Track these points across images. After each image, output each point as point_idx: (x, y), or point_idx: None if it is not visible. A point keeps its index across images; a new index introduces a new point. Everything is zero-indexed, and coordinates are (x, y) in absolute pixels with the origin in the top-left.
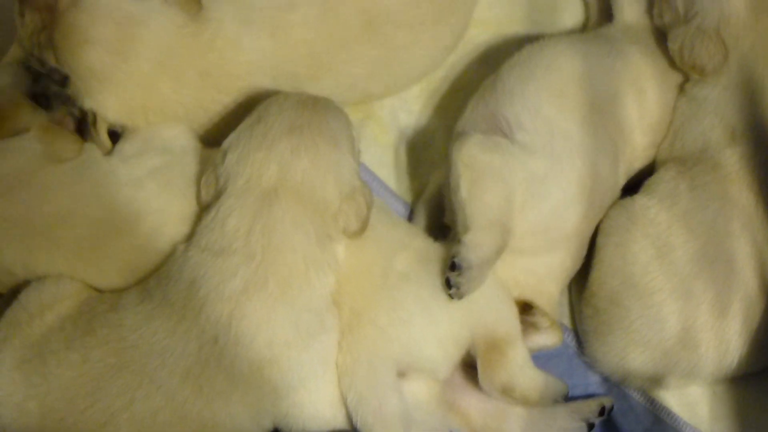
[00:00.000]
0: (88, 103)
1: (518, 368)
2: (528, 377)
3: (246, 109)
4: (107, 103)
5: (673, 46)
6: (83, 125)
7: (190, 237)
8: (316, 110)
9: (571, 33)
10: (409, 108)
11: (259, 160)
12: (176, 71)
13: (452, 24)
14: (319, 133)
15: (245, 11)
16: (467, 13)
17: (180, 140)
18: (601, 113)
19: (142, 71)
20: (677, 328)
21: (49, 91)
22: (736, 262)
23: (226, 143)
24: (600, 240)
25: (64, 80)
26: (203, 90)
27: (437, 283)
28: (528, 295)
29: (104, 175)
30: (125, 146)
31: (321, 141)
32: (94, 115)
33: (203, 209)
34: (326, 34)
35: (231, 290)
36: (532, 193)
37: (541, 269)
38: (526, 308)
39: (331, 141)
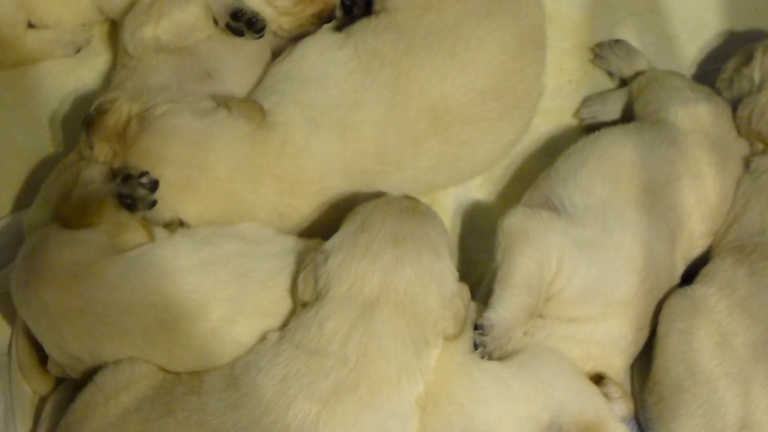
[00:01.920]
0: (170, 214)
1: None
2: None
3: (321, 213)
4: (189, 211)
5: (743, 113)
6: None
7: (282, 329)
8: (418, 220)
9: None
10: (472, 195)
11: (363, 269)
12: (253, 175)
13: (516, 120)
14: (422, 243)
15: (312, 113)
16: (531, 109)
17: (252, 230)
18: (656, 198)
19: (220, 178)
20: (741, 413)
21: (137, 193)
22: None
23: (328, 245)
24: (662, 328)
25: (153, 185)
26: (279, 194)
27: (517, 363)
28: (598, 368)
29: (166, 261)
30: (199, 229)
31: (424, 252)
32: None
33: (298, 306)
34: (394, 131)
35: (321, 391)
36: (578, 258)
37: (605, 340)
38: (597, 380)
39: (433, 251)
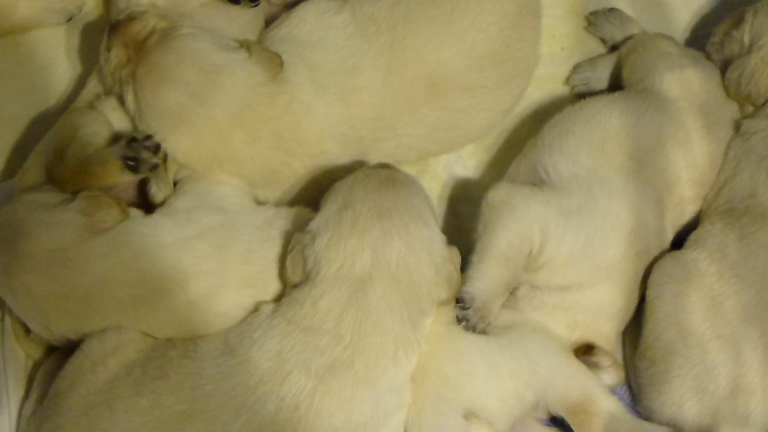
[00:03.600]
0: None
1: (614, 422)
2: (627, 428)
3: (312, 173)
4: (179, 145)
5: (732, 75)
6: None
7: (272, 301)
8: (399, 190)
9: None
10: (464, 163)
11: (352, 247)
12: (251, 126)
13: (513, 88)
14: (407, 213)
15: (320, 75)
16: (527, 78)
17: (234, 197)
18: (642, 164)
19: (217, 120)
20: (732, 375)
21: (141, 155)
22: None
23: (313, 225)
24: (653, 291)
25: (156, 148)
26: (275, 150)
27: (504, 340)
28: (587, 336)
29: (144, 238)
30: (176, 201)
31: (410, 221)
32: (165, 155)
33: (288, 286)
34: (391, 98)
35: (317, 367)
36: (565, 226)
37: (593, 305)
38: (587, 350)
39: (419, 219)
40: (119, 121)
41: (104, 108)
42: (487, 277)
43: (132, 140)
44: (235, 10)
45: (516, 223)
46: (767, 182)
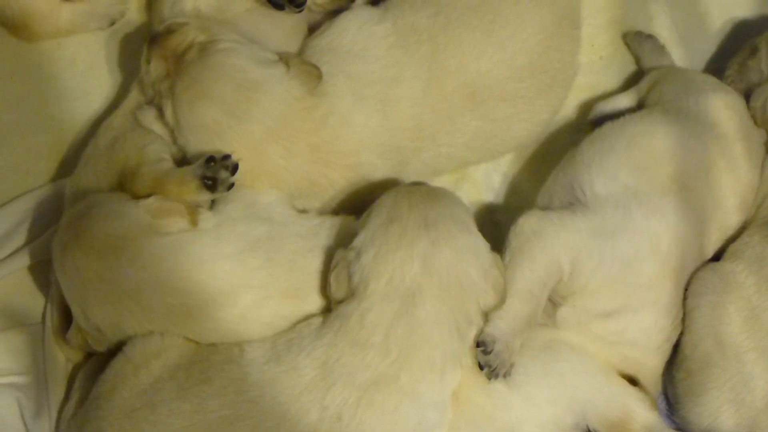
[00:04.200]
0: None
1: None
2: None
3: (351, 183)
4: None
5: (756, 103)
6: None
7: (325, 312)
8: (442, 202)
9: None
10: (503, 171)
11: (400, 259)
12: (288, 140)
13: (552, 99)
14: (453, 222)
15: (359, 86)
16: (566, 88)
17: (279, 207)
18: (686, 187)
19: (253, 135)
20: None
21: (219, 175)
22: None
23: (357, 242)
24: (691, 302)
25: (234, 168)
26: (312, 163)
27: (539, 367)
28: (632, 370)
29: (203, 249)
30: (228, 206)
31: (456, 230)
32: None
33: (333, 303)
34: (431, 107)
35: (362, 380)
36: (599, 251)
37: (640, 338)
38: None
39: (464, 227)
40: (161, 132)
41: (145, 118)
42: (510, 315)
43: (210, 159)
44: (279, 15)
45: (544, 255)
46: None
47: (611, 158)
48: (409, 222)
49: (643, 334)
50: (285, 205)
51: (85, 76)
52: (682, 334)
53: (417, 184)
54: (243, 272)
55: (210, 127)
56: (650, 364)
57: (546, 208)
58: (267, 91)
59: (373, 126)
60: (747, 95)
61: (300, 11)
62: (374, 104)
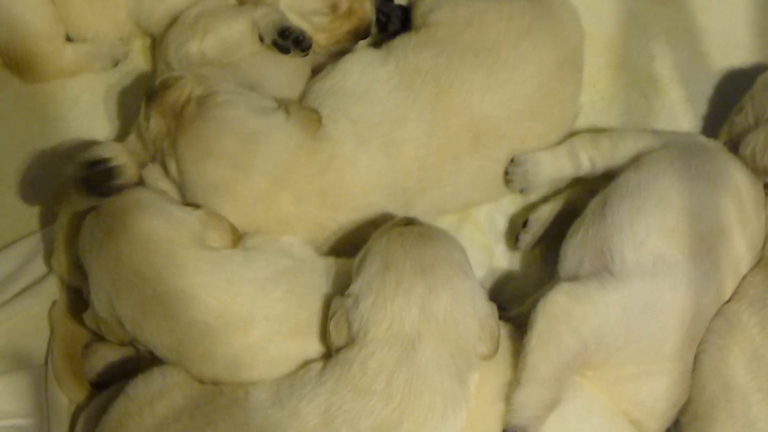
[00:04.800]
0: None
1: None
2: None
3: (358, 227)
4: (228, 215)
5: (745, 151)
6: None
7: (325, 358)
8: (438, 243)
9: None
10: (504, 210)
11: (399, 306)
12: (296, 187)
13: (550, 141)
14: (449, 266)
15: (362, 129)
16: (566, 131)
17: (297, 246)
18: (712, 247)
19: (261, 187)
20: None
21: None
22: None
23: (354, 289)
24: (697, 348)
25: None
26: (321, 208)
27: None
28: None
29: (235, 268)
30: (254, 240)
31: (453, 275)
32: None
33: (333, 351)
34: (436, 148)
35: (365, 426)
36: (626, 329)
37: (648, 399)
38: None
39: (461, 272)
40: (167, 188)
41: (150, 176)
42: (535, 403)
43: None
44: (283, 58)
45: (572, 340)
46: None
47: (641, 219)
48: (406, 267)
49: (653, 399)
50: (303, 245)
51: (88, 116)
52: None
53: (409, 223)
54: (264, 301)
55: (218, 184)
56: (650, 427)
57: (573, 273)
58: (269, 140)
59: (379, 168)
60: (737, 144)
61: (305, 55)
62: (378, 146)
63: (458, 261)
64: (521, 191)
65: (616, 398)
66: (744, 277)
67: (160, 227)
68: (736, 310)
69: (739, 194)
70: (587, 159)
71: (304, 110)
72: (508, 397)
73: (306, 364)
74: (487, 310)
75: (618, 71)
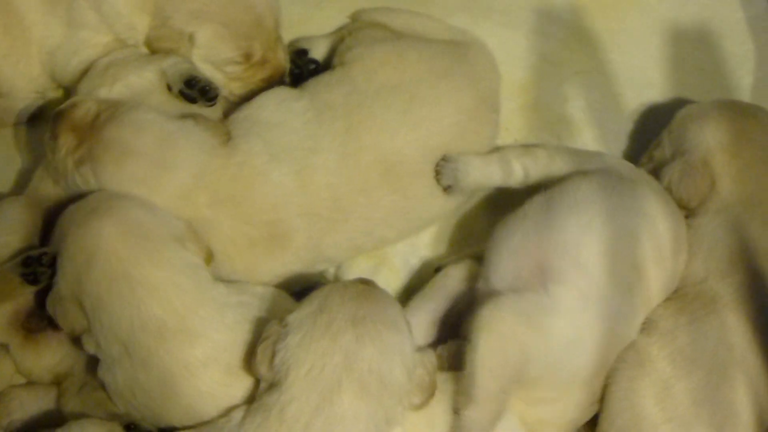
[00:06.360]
0: None
1: None
2: None
3: (274, 246)
4: None
5: (662, 183)
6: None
7: (248, 404)
8: (374, 300)
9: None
10: (419, 254)
11: (323, 349)
12: (212, 188)
13: None
14: (381, 321)
15: (275, 150)
16: None
17: (263, 289)
18: (628, 282)
19: (182, 182)
20: None
21: (38, 270)
22: (736, 397)
23: (289, 320)
24: (608, 378)
25: (52, 261)
26: (234, 218)
27: None
28: None
29: (201, 279)
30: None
31: (383, 328)
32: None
33: (254, 377)
34: (346, 179)
35: None
36: (557, 360)
37: (547, 416)
38: None
39: (392, 326)
40: None
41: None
42: (487, 419)
43: (28, 259)
44: (192, 108)
45: (518, 358)
46: (717, 268)
47: (588, 239)
48: (338, 315)
49: (557, 417)
50: (273, 289)
51: (4, 171)
52: (600, 409)
53: (357, 281)
54: (217, 324)
55: (141, 181)
56: None
57: (509, 279)
58: (187, 138)
59: (289, 185)
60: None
61: (212, 105)
62: (290, 166)
63: (392, 317)
64: (447, 188)
65: (525, 415)
66: (655, 309)
67: (146, 217)
68: (647, 342)
69: (657, 235)
70: (520, 167)
71: (210, 121)
72: (459, 415)
73: (228, 411)
74: (416, 360)
75: (531, 113)
